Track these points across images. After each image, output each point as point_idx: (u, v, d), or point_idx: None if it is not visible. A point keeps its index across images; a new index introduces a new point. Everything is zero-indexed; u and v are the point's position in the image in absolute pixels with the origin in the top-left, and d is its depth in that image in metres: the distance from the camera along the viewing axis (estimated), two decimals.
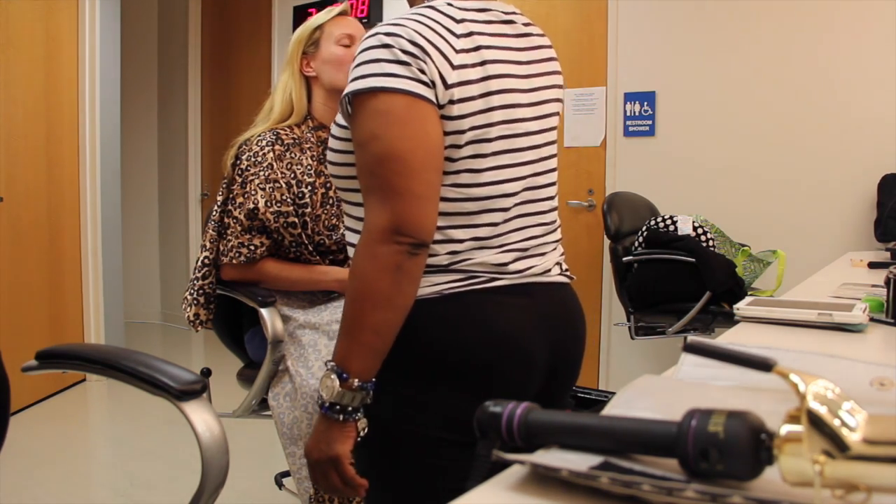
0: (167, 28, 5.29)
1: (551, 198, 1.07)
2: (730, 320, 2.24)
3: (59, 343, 1.81)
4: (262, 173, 1.62)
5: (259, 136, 1.66)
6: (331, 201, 1.70)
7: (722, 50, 3.05)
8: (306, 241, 1.65)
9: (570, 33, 3.47)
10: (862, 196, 2.76)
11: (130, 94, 4.91)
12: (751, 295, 2.10)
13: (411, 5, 1.05)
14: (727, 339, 0.91)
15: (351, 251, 1.00)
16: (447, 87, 0.91)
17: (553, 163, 1.07)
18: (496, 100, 0.95)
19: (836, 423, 0.39)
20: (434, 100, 0.91)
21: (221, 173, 1.73)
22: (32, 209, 3.33)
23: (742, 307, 1.01)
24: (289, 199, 1.62)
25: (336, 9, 1.75)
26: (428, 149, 0.91)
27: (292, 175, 1.64)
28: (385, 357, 0.93)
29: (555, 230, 1.08)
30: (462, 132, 0.93)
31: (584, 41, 3.43)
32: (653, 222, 2.73)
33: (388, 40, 0.91)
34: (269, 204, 1.60)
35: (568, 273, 1.10)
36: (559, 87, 1.08)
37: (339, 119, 0.99)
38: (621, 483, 0.41)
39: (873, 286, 1.32)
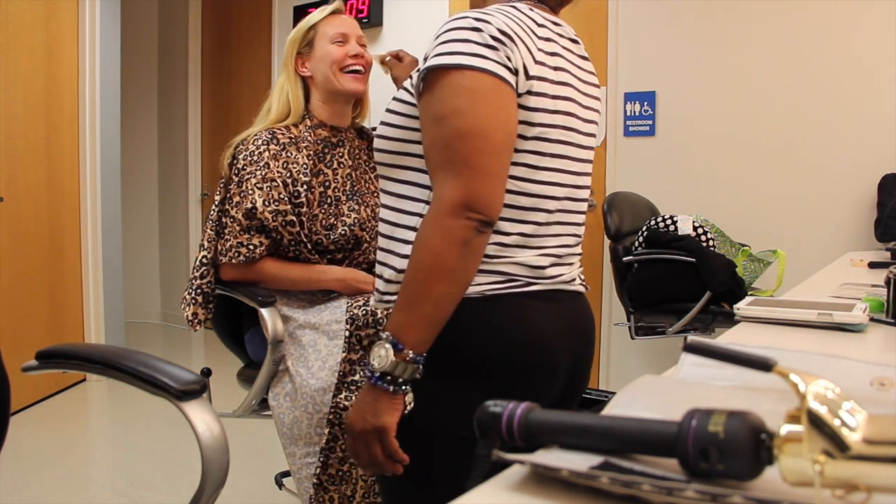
0: (167, 28, 5.29)
1: (583, 212, 1.10)
2: (730, 320, 2.24)
3: (59, 343, 1.81)
4: (258, 172, 1.62)
5: (255, 135, 1.67)
6: (329, 200, 1.69)
7: (722, 50, 3.05)
8: (305, 240, 1.64)
9: None
10: (862, 196, 2.76)
11: (130, 94, 4.91)
12: (751, 295, 2.10)
13: (482, 5, 1.07)
14: (727, 339, 0.91)
15: (391, 230, 1.03)
16: (528, 77, 0.94)
17: (588, 180, 1.11)
18: (563, 105, 1.00)
19: (836, 423, 0.39)
20: (515, 87, 0.94)
21: (220, 173, 1.73)
22: (32, 209, 3.33)
23: (742, 307, 1.01)
24: (286, 198, 1.62)
25: (329, 8, 1.75)
26: (508, 130, 0.94)
27: (288, 174, 1.64)
28: (438, 332, 0.94)
29: (580, 242, 1.12)
30: (532, 124, 0.96)
31: (584, 41, 3.40)
32: (653, 222, 2.73)
33: (478, 24, 0.93)
34: (266, 203, 1.60)
35: (584, 283, 1.13)
36: (598, 111, 1.13)
37: (402, 94, 1.01)
38: (621, 483, 0.41)
39: (873, 286, 1.32)
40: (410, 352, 0.91)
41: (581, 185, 1.07)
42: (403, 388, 0.93)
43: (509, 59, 0.93)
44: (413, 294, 0.92)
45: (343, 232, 1.68)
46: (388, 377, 0.91)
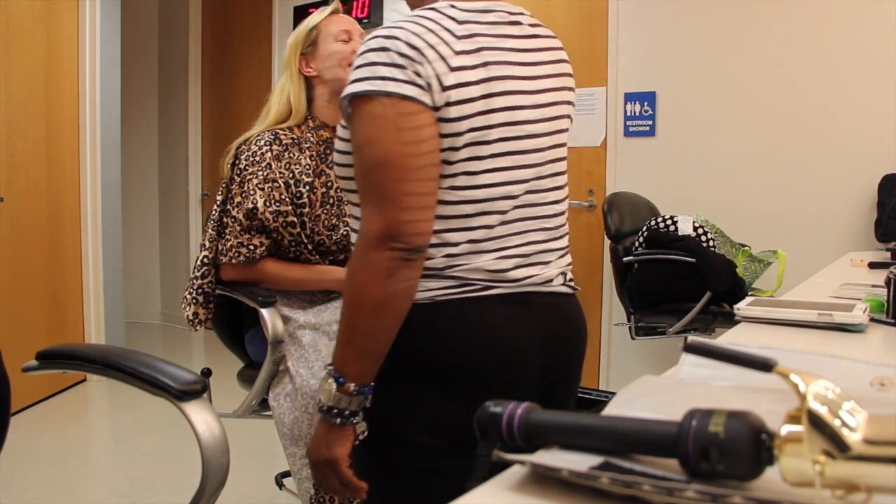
0: (167, 28, 5.29)
1: (557, 202, 1.04)
2: (730, 320, 2.24)
3: (59, 343, 1.81)
4: (260, 173, 1.62)
5: (257, 136, 1.67)
6: (331, 201, 1.69)
7: (722, 50, 3.05)
8: (306, 241, 1.64)
9: (570, 33, 3.47)
10: (862, 196, 2.76)
11: (131, 95, 4.91)
12: (751, 295, 2.10)
13: (412, 8, 1.04)
14: (727, 339, 0.91)
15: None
16: (444, 89, 0.90)
17: (561, 166, 1.05)
18: (498, 101, 0.94)
19: (836, 423, 0.39)
20: (430, 103, 0.90)
21: (221, 174, 1.73)
22: (32, 209, 3.33)
23: (742, 307, 1.01)
24: (287, 199, 1.62)
25: (328, 8, 1.76)
26: (423, 152, 0.90)
27: (291, 175, 1.65)
28: (382, 361, 0.93)
29: (561, 237, 1.06)
30: (460, 134, 0.92)
31: (584, 41, 3.43)
32: (653, 222, 2.73)
33: (385, 43, 0.90)
34: (268, 203, 1.60)
35: (572, 283, 1.08)
36: (569, 89, 1.07)
37: (343, 121, 0.99)
38: (622, 483, 0.41)
39: (873, 286, 1.32)
40: (352, 385, 0.92)
41: (547, 174, 1.02)
42: (351, 419, 0.94)
43: (419, 74, 0.89)
44: (347, 328, 0.92)
45: (345, 232, 1.69)
46: (335, 410, 0.92)
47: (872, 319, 0.97)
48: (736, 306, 1.01)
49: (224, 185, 1.69)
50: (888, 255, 2.07)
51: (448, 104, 0.91)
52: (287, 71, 1.74)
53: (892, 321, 0.97)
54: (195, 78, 5.13)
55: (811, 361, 0.69)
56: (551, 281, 1.03)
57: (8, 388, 1.00)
